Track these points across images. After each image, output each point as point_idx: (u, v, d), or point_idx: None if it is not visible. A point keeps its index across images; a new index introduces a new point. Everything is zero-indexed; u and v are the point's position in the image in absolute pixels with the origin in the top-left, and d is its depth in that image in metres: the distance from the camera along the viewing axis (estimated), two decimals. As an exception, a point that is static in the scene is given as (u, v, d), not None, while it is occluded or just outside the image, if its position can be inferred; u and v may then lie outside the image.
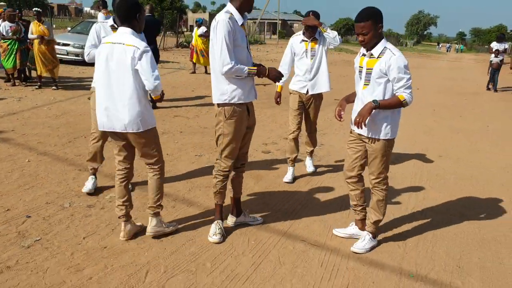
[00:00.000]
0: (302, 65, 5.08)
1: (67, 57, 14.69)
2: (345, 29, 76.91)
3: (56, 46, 14.89)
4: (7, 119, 7.31)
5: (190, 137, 6.90)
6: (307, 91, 5.11)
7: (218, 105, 3.53)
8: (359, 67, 3.48)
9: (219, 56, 3.34)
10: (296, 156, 5.31)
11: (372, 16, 3.25)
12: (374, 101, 3.31)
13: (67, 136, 6.46)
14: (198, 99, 10.42)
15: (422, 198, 4.89)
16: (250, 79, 3.56)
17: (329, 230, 3.95)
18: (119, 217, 3.60)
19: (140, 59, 3.22)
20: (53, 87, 10.25)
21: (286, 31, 68.84)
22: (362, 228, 3.78)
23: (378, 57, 3.32)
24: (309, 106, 5.21)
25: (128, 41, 3.25)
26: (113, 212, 4.09)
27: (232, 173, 3.83)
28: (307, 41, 5.01)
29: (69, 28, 18.51)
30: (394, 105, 3.35)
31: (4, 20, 10.33)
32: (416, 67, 25.67)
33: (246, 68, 3.41)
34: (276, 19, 56.57)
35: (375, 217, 3.64)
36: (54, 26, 32.51)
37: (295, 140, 5.27)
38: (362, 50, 3.49)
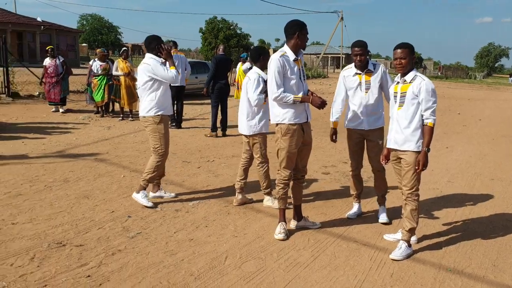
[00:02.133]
0: (357, 99, 4.83)
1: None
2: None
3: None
4: (101, 144, 8.51)
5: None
6: (364, 127, 4.86)
7: (277, 124, 4.35)
8: (394, 93, 4.17)
9: (270, 86, 4.23)
10: (359, 192, 5.15)
11: (409, 46, 4.06)
12: (427, 149, 4.01)
13: (152, 158, 7.49)
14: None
15: (468, 212, 5.34)
16: (301, 104, 4.34)
17: (380, 235, 4.54)
18: (236, 189, 5.29)
19: None
20: (130, 119, 11.50)
21: (349, 65, 69.25)
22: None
23: (410, 82, 4.02)
24: (369, 142, 4.93)
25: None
26: (196, 214, 4.93)
27: (292, 183, 4.57)
28: (360, 73, 4.83)
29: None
30: (431, 135, 4.02)
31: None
32: (481, 99, 25.37)
33: (292, 96, 4.22)
34: (340, 53, 57.39)
35: (409, 225, 4.11)
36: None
37: (356, 177, 5.11)
38: (396, 79, 4.20)
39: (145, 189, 5.19)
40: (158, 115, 5.07)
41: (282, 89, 4.22)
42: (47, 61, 11.87)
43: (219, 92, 9.82)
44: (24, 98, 14.20)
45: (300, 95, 4.28)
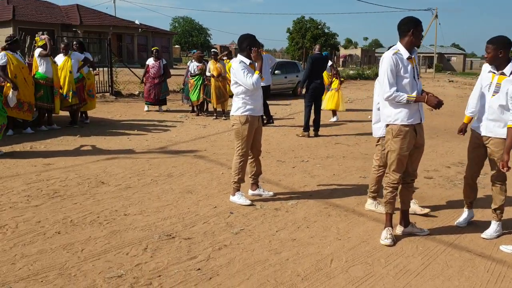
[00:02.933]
0: (483, 99, 4.43)
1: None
2: None
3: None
4: (199, 142, 8.80)
5: (353, 162, 7.53)
6: (481, 132, 4.42)
7: (387, 125, 4.17)
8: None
9: (382, 85, 4.06)
10: (471, 200, 4.78)
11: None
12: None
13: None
14: (355, 128, 11.02)
15: None
16: (415, 104, 4.12)
17: (495, 245, 4.22)
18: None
19: None
20: (223, 118, 11.74)
21: (443, 65, 66.03)
22: None
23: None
24: (488, 150, 4.43)
25: None
26: (296, 214, 4.91)
27: (401, 186, 4.38)
28: (494, 73, 4.34)
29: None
30: None
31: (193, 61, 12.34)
32: None
33: (405, 95, 4.03)
34: (433, 53, 54.79)
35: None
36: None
37: (468, 185, 4.73)
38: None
39: (239, 189, 5.26)
40: (245, 115, 5.11)
41: (394, 88, 4.05)
42: (151, 62, 12.44)
43: (314, 92, 9.77)
44: (125, 96, 15.09)
45: (414, 94, 4.08)
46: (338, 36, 53.76)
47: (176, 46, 56.94)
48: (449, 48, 79.30)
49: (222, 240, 4.17)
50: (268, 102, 11.19)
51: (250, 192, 5.45)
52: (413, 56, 4.18)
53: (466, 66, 74.64)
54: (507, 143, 4.10)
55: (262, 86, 10.61)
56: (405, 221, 4.48)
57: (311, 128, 9.98)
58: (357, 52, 68.04)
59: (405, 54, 4.12)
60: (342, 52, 68.93)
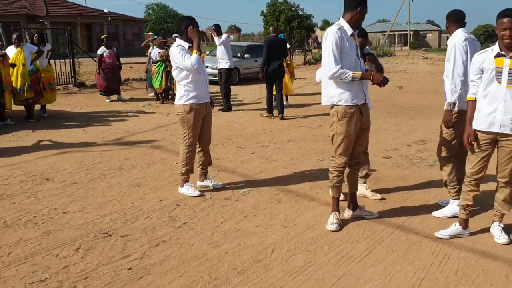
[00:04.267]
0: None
1: (205, 77, 16.29)
2: (484, 36, 71.65)
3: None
4: (159, 131, 8.55)
5: (313, 144, 7.39)
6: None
7: (332, 107, 4.00)
8: (497, 67, 3.54)
9: (326, 61, 3.83)
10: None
11: None
12: None
13: (206, 144, 7.39)
14: (322, 110, 10.88)
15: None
16: (359, 83, 3.95)
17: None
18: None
19: None
20: None
21: (418, 42, 66.31)
22: (466, 227, 3.91)
23: None
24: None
25: None
26: (245, 203, 4.74)
27: (348, 170, 4.23)
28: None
29: (207, 52, 20.35)
30: None
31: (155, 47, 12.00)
32: None
33: (351, 72, 3.82)
34: (407, 30, 54.90)
35: (509, 209, 3.81)
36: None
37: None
38: (494, 49, 3.60)
39: (187, 181, 5.06)
40: (189, 103, 4.88)
41: (340, 65, 3.85)
42: (106, 52, 12.04)
43: (272, 74, 9.77)
44: (89, 87, 14.67)
45: (360, 71, 3.90)
46: (313, 17, 53.41)
47: (150, 33, 55.90)
48: (424, 25, 79.53)
49: (161, 235, 3.98)
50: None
51: (198, 183, 5.26)
52: (355, 33, 4.00)
53: (442, 42, 74.98)
54: None
55: (223, 69, 10.69)
56: (353, 204, 4.35)
57: (275, 110, 9.89)
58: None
59: (348, 30, 3.92)
60: (318, 33, 68.54)
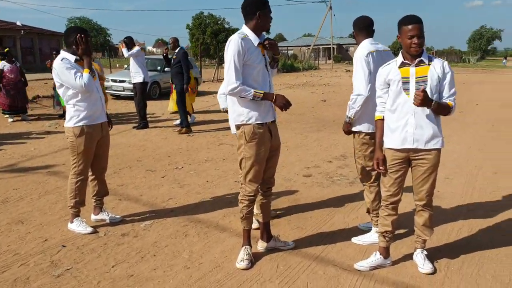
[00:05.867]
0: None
1: (123, 93, 15.38)
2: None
3: (113, 83, 15.73)
4: (61, 154, 7.68)
5: (232, 164, 6.88)
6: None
7: (238, 127, 3.51)
8: (403, 78, 3.24)
9: (226, 75, 3.35)
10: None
11: (421, 20, 3.21)
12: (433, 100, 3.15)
13: (113, 168, 6.65)
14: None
15: (471, 218, 4.53)
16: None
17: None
18: None
19: None
20: None
21: (341, 55, 68.56)
22: (387, 256, 3.55)
23: (429, 63, 3.22)
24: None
25: None
26: (145, 239, 4.12)
27: (259, 197, 3.76)
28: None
29: (126, 66, 19.36)
30: (445, 109, 3.24)
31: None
32: (477, 82, 24.58)
33: (253, 91, 3.37)
34: (330, 44, 56.50)
35: (430, 234, 3.49)
36: (117, 65, 34.23)
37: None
38: (398, 60, 3.31)
39: (78, 215, 4.36)
40: (79, 126, 4.21)
41: (241, 81, 3.38)
42: (6, 66, 10.91)
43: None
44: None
45: (263, 91, 3.43)
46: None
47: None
48: (347, 39, 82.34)
49: (35, 288, 3.27)
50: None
51: (93, 217, 4.57)
52: (265, 39, 3.54)
53: (363, 56, 77.74)
54: (443, 106, 3.24)
55: (137, 83, 10.00)
56: (267, 235, 3.86)
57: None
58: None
59: (254, 39, 3.46)
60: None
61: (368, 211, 4.07)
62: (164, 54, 10.14)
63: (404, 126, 3.28)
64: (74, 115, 4.21)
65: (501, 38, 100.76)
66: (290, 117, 11.80)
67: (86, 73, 4.10)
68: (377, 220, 3.79)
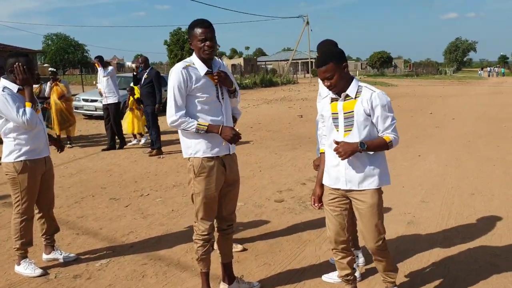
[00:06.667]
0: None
1: (95, 112, 14.92)
2: (380, 62, 76.43)
3: (85, 103, 15.28)
4: (21, 182, 7.26)
5: (202, 189, 6.57)
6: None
7: (189, 159, 3.24)
8: (333, 113, 3.01)
9: (168, 107, 3.14)
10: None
11: (332, 58, 2.90)
12: (360, 144, 2.87)
13: (75, 197, 6.30)
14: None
15: (447, 246, 4.31)
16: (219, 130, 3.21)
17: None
18: None
19: None
20: (68, 146, 10.19)
21: (320, 69, 68.93)
22: None
23: (355, 97, 2.93)
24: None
25: None
26: (99, 281, 3.79)
27: (218, 235, 3.46)
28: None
29: (98, 85, 18.84)
30: (380, 147, 2.93)
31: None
32: (453, 95, 24.82)
33: (196, 123, 3.11)
34: (308, 58, 56.83)
35: (394, 275, 3.21)
36: (94, 81, 33.68)
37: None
38: (329, 94, 3.08)
39: (26, 256, 4.00)
40: (20, 160, 3.88)
41: (182, 112, 3.12)
42: None
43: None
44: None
45: (207, 123, 3.17)
46: (219, 46, 53.35)
47: (46, 65, 52.44)
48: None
49: None
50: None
51: (44, 257, 4.21)
52: (215, 72, 3.25)
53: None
54: (376, 144, 2.94)
55: (111, 104, 9.66)
56: (229, 276, 3.56)
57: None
58: (240, 61, 68.33)
59: (201, 68, 3.19)
60: (226, 62, 68.54)
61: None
62: (135, 73, 9.87)
63: (337, 165, 3.01)
64: (15, 149, 3.85)
65: (476, 49, 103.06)
66: (265, 135, 11.58)
67: (28, 108, 3.76)
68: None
